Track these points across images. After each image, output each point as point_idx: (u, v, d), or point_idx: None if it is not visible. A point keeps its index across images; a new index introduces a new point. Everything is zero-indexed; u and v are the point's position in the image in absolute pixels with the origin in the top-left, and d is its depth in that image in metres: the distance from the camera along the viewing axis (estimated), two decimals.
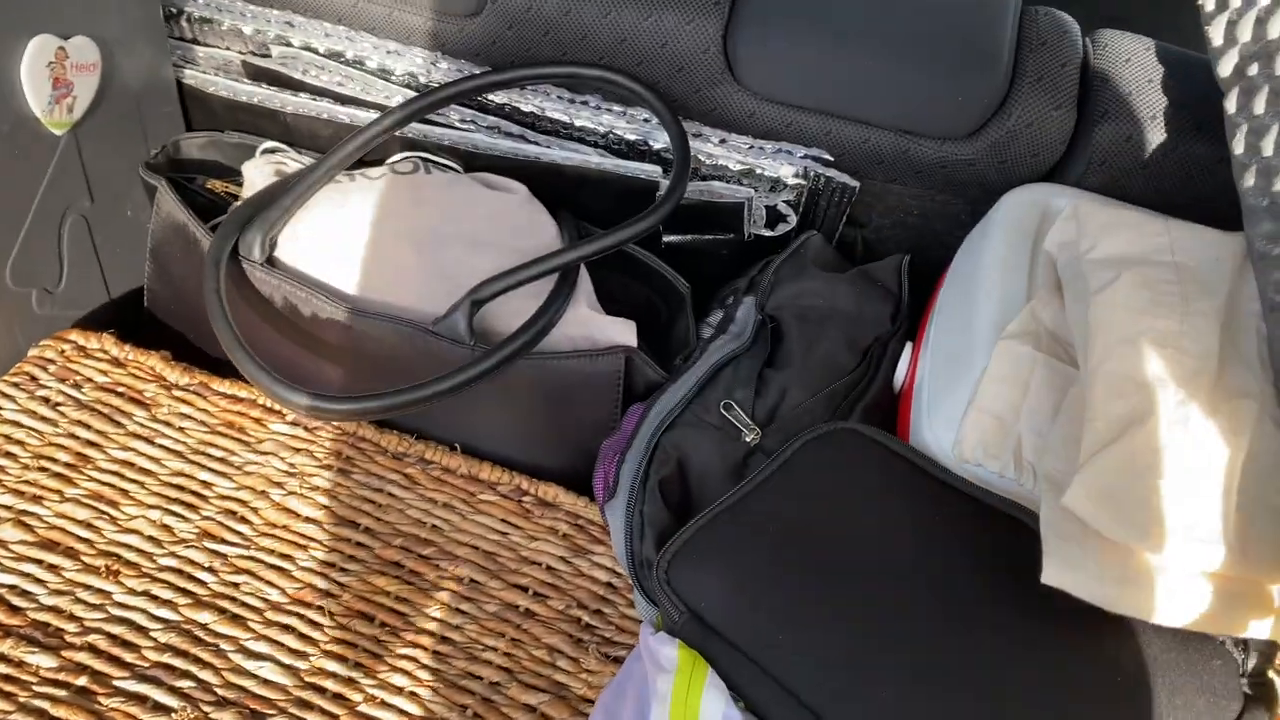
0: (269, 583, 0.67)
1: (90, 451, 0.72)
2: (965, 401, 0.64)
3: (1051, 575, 0.51)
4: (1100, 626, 0.52)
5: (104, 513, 0.69)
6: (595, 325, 0.76)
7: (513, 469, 0.75)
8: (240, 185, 0.89)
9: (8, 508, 0.68)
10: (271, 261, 0.76)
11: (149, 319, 0.86)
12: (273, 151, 0.88)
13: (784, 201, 0.87)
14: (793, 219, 0.86)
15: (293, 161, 0.86)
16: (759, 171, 0.85)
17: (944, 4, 0.80)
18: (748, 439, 0.70)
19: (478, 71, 0.86)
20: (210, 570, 0.67)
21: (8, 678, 0.60)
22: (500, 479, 0.74)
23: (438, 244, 0.76)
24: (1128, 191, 0.77)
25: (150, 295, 0.85)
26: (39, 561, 0.66)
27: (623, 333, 0.76)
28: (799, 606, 0.54)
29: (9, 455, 0.71)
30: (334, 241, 0.76)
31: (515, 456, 0.76)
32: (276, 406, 0.76)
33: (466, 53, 0.86)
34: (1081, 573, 0.51)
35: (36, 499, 0.69)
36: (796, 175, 0.85)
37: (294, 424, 0.76)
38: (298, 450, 0.74)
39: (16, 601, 0.63)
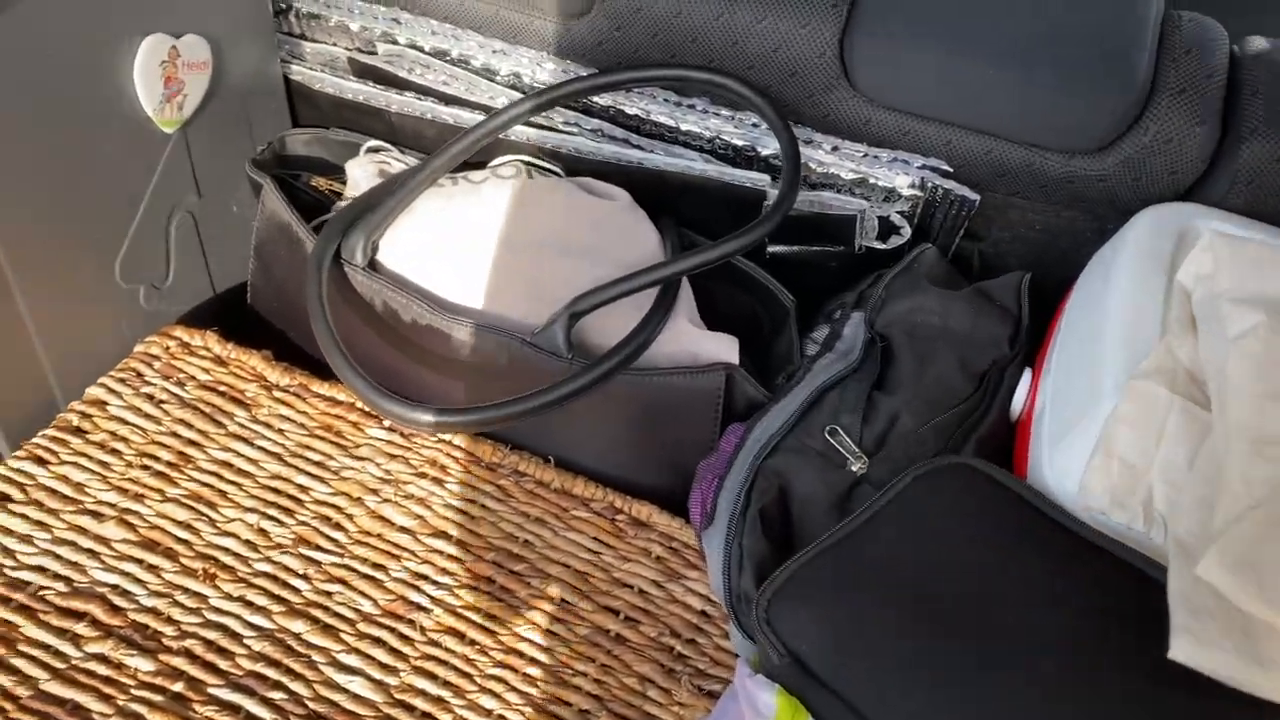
0: (362, 593, 0.66)
1: (191, 451, 0.72)
2: (1091, 441, 0.60)
3: (1180, 651, 0.47)
4: (1240, 707, 0.48)
5: (203, 514, 0.69)
6: (696, 341, 0.73)
7: (606, 485, 0.73)
8: (344, 183, 0.89)
9: (111, 505, 0.69)
10: (373, 265, 0.76)
11: (251, 315, 0.87)
12: (376, 150, 0.87)
13: (898, 213, 0.83)
14: (907, 231, 0.83)
15: (396, 161, 0.86)
16: (873, 181, 0.82)
17: (1079, 9, 0.76)
18: (854, 468, 0.67)
19: (584, 73, 0.84)
20: (304, 577, 0.67)
21: (108, 680, 0.60)
22: (594, 495, 0.72)
23: (538, 252, 0.75)
24: (1276, 215, 0.72)
25: (253, 292, 0.85)
26: (140, 561, 0.66)
27: (724, 349, 0.73)
28: (910, 661, 0.51)
29: (114, 452, 0.72)
30: (435, 246, 0.75)
31: (609, 472, 0.74)
32: (372, 412, 0.76)
33: (572, 53, 0.84)
34: (1215, 651, 0.47)
35: (139, 497, 0.69)
36: (913, 186, 0.81)
37: (390, 429, 0.75)
38: (393, 456, 0.74)
39: (118, 601, 0.64)
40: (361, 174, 0.85)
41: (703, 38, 0.79)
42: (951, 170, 0.80)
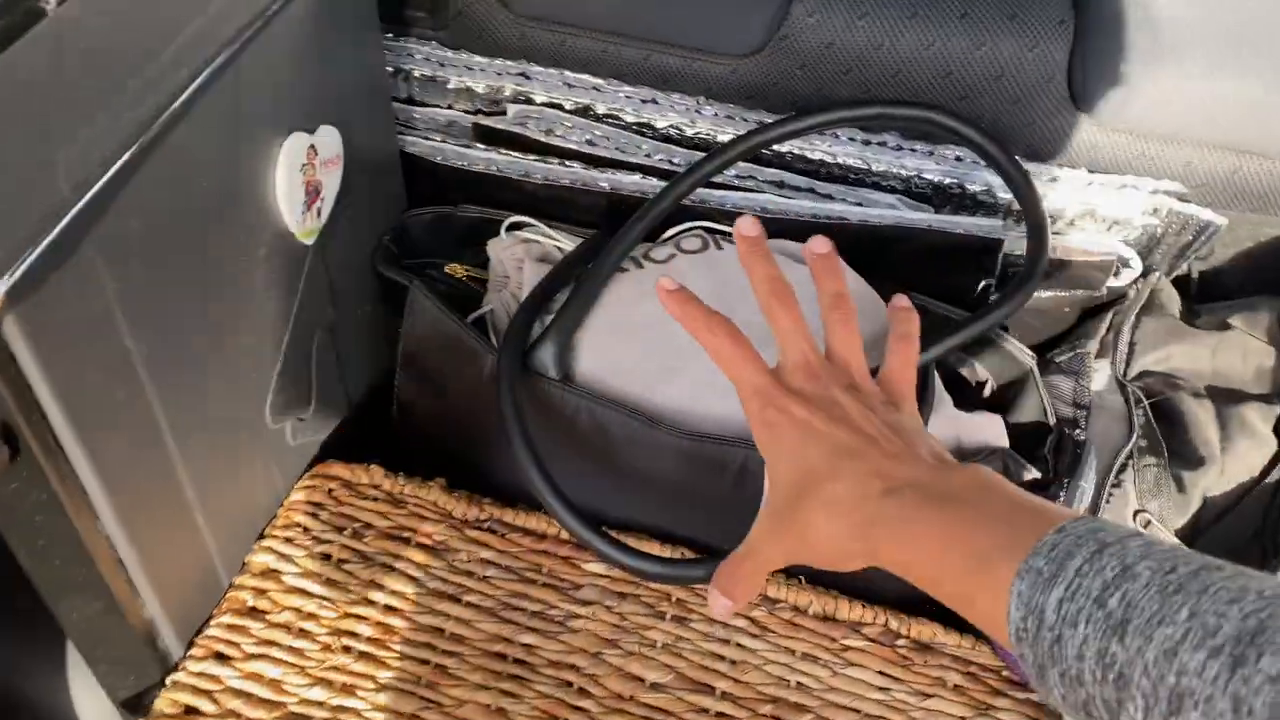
0: None
1: (393, 620, 0.62)
2: None
3: None
4: None
5: (428, 700, 0.59)
6: (962, 426, 0.64)
7: (871, 601, 0.64)
8: (482, 268, 0.78)
9: (321, 704, 0.58)
10: (569, 376, 0.65)
11: (400, 435, 0.75)
12: (519, 226, 0.76)
13: (1122, 242, 0.74)
14: (1137, 264, 0.73)
15: (544, 238, 0.75)
16: (1099, 213, 0.72)
17: None
18: None
19: (766, 119, 0.73)
20: None
21: None
22: (863, 617, 0.63)
23: (756, 341, 0.64)
24: None
25: (401, 409, 0.74)
26: None
27: (993, 431, 0.64)
28: None
29: (304, 634, 0.61)
30: (636, 346, 0.65)
31: (871, 586, 0.65)
32: None
33: (737, 96, 0.74)
34: None
35: (349, 690, 0.59)
36: (1146, 213, 0.72)
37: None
38: (623, 596, 0.64)
39: None
40: (507, 255, 0.74)
41: (907, 71, 0.69)
42: (1187, 193, 0.72)
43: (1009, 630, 0.37)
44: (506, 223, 0.76)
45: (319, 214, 0.64)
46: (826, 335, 0.54)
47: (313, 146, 0.62)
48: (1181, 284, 0.79)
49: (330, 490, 0.67)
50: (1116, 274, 0.74)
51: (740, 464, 0.61)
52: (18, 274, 0.40)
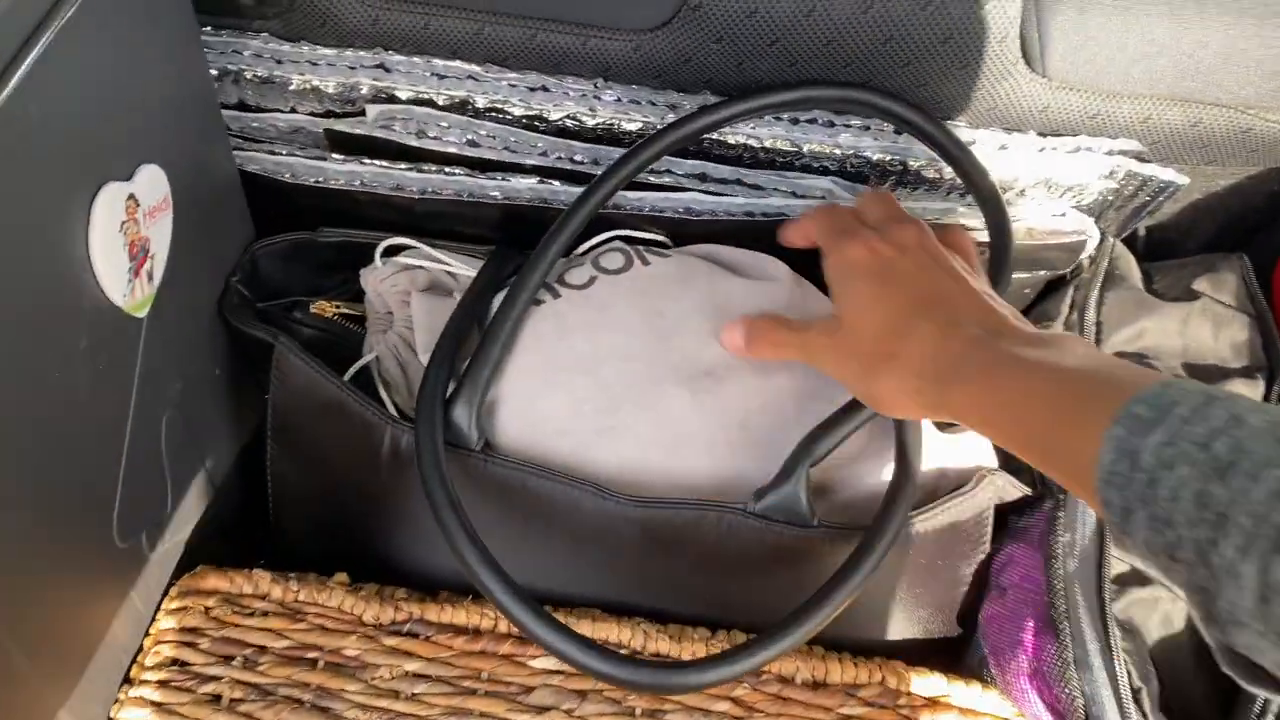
0: None
1: None
2: None
3: None
4: None
5: None
6: (949, 450, 0.56)
7: (840, 648, 0.56)
8: (356, 300, 0.65)
9: None
10: (488, 439, 0.54)
11: (275, 517, 0.63)
12: (396, 250, 0.63)
13: (1075, 208, 0.67)
14: (1095, 234, 0.67)
15: (429, 262, 0.63)
16: (1053, 180, 0.65)
17: None
18: None
19: (677, 100, 0.62)
20: None
21: None
22: (857, 678, 0.55)
23: (707, 377, 0.55)
24: None
25: (276, 487, 0.61)
26: None
27: (982, 452, 0.57)
28: None
29: None
30: (566, 396, 0.54)
31: (850, 634, 0.57)
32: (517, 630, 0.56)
33: (642, 76, 0.63)
34: None
35: None
36: (1102, 176, 0.65)
37: None
38: (583, 695, 0.54)
39: None
40: (386, 287, 0.62)
41: (844, 38, 0.59)
42: (1145, 151, 0.65)
43: (1097, 475, 0.36)
44: (381, 247, 0.63)
45: (150, 278, 0.51)
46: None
47: (132, 196, 0.48)
48: (1129, 243, 0.73)
49: (207, 609, 0.55)
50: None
51: (726, 527, 0.52)
52: None
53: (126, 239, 0.48)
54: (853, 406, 0.53)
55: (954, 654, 0.59)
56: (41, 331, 0.43)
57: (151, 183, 0.50)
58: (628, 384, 0.55)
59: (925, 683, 0.55)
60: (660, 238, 0.63)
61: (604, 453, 0.54)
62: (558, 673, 0.54)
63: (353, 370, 0.60)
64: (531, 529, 0.54)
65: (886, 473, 0.54)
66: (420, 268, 0.62)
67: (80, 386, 0.47)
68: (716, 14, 0.59)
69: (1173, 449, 0.34)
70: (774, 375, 0.55)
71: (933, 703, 0.55)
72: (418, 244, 0.63)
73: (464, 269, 0.63)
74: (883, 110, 0.61)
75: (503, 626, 0.55)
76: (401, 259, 0.63)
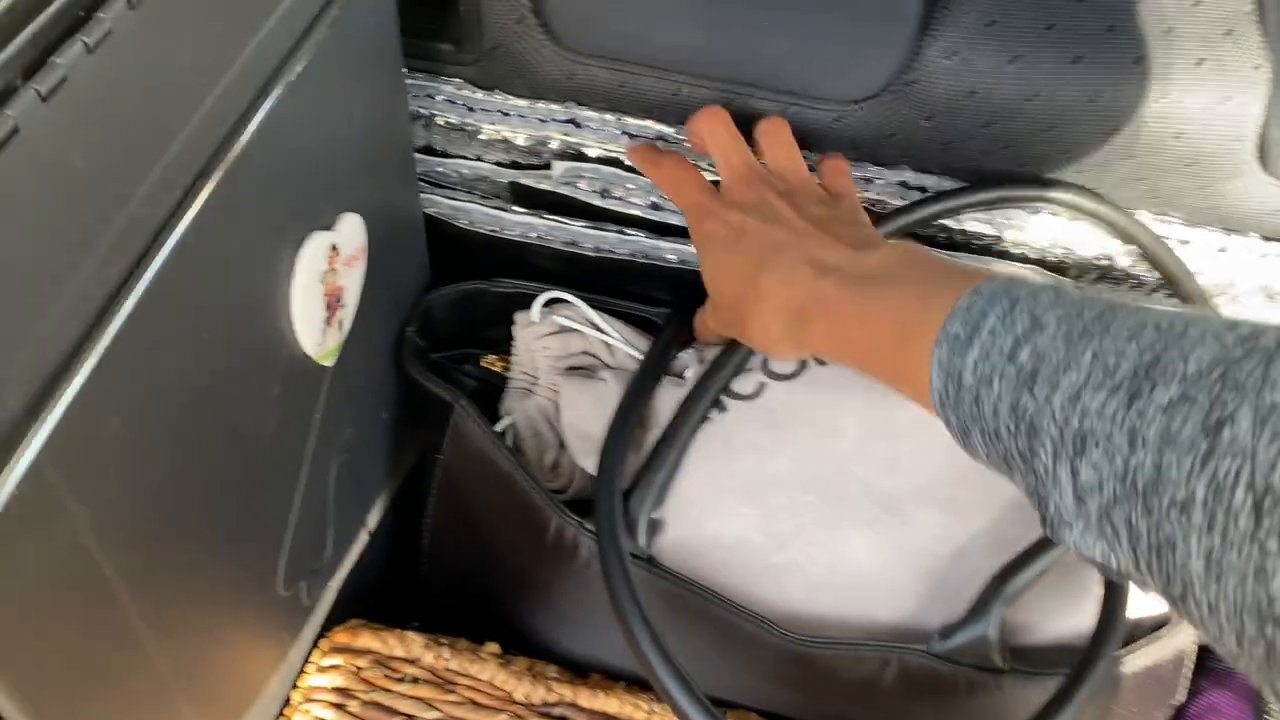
0: None
1: None
2: None
3: None
4: None
5: None
6: None
7: None
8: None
9: None
10: (653, 557, 0.52)
11: (426, 567, 0.61)
12: (555, 302, 0.62)
13: None
14: None
15: (587, 327, 0.60)
16: (1274, 289, 0.60)
17: None
18: None
19: (873, 174, 0.60)
20: None
21: None
22: None
23: (891, 515, 0.51)
24: None
25: (433, 545, 0.59)
26: None
27: None
28: None
29: None
30: (734, 524, 0.51)
31: None
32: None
33: (839, 147, 0.60)
34: None
35: None
36: None
37: None
38: None
39: None
40: (539, 348, 0.60)
41: (1063, 126, 0.56)
42: None
43: (932, 398, 0.38)
44: (541, 299, 0.61)
45: (340, 326, 0.50)
46: (763, 148, 0.55)
47: (334, 246, 0.47)
48: None
49: (358, 669, 0.53)
50: None
51: (907, 667, 0.48)
52: None
53: (324, 288, 0.47)
54: (1045, 543, 0.49)
55: None
56: (241, 378, 0.42)
57: (351, 231, 0.49)
58: (800, 519, 0.52)
59: None
60: None
61: (770, 589, 0.51)
62: None
63: (498, 427, 0.58)
64: (692, 637, 0.51)
65: (1077, 615, 0.50)
66: (576, 331, 0.61)
67: (266, 433, 0.46)
68: (931, 92, 0.56)
69: (986, 364, 0.36)
70: (967, 514, 0.51)
71: None
72: (577, 302, 0.61)
73: (619, 342, 0.60)
74: (1098, 216, 0.58)
75: (655, 712, 0.53)
76: (558, 318, 0.61)
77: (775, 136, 0.55)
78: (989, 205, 0.58)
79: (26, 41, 0.27)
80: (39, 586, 0.31)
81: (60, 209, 0.29)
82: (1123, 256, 0.61)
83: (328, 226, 0.46)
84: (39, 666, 0.32)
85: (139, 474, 0.35)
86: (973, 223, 0.61)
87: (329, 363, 0.49)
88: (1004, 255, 0.62)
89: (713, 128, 0.55)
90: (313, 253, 0.45)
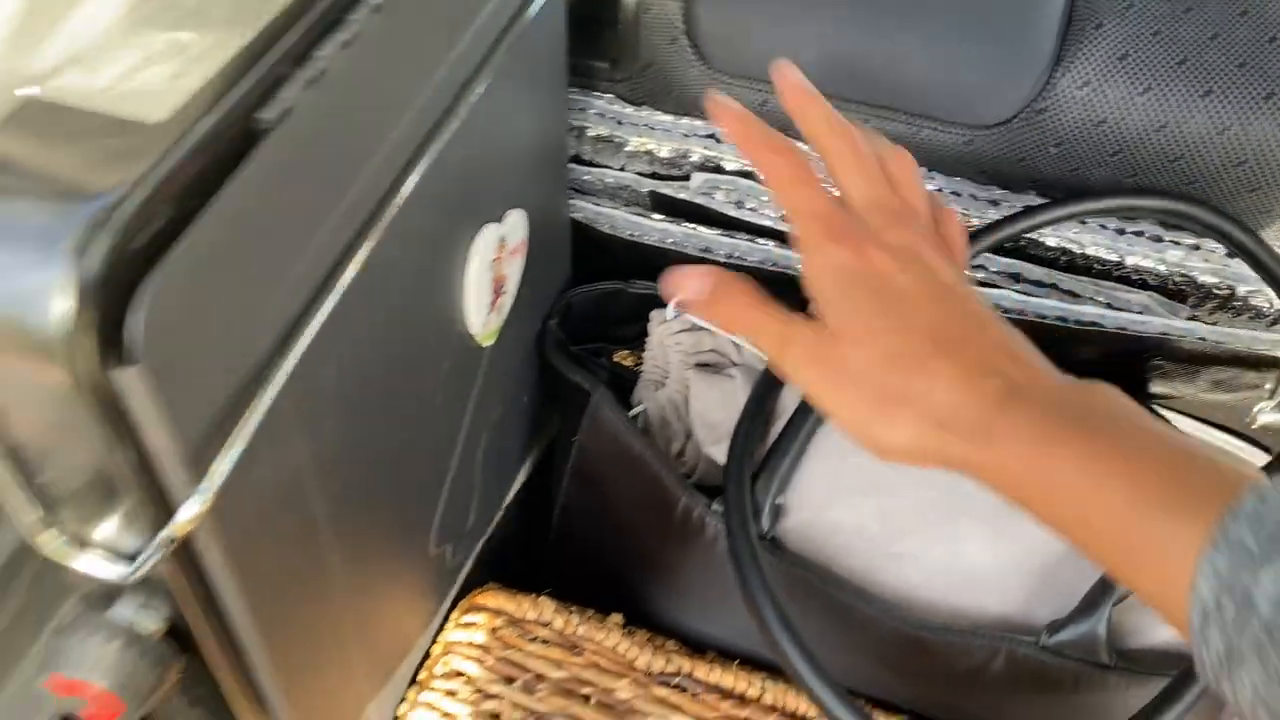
0: None
1: None
2: None
3: None
4: None
5: None
6: None
7: None
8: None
9: None
10: (775, 535, 0.55)
11: (554, 541, 0.66)
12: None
13: None
14: None
15: (716, 327, 0.64)
16: None
17: None
18: None
19: (998, 196, 0.62)
20: None
21: None
22: None
23: (1009, 514, 0.53)
24: None
25: (564, 521, 0.64)
26: None
27: None
28: None
29: None
30: (854, 513, 0.54)
31: None
32: (785, 704, 0.56)
33: (967, 170, 0.63)
34: None
35: None
36: None
37: None
38: None
39: None
40: (672, 345, 0.64)
41: (1191, 156, 0.58)
42: None
43: (1192, 606, 0.31)
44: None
45: (500, 312, 0.55)
46: (858, 176, 0.41)
47: (503, 238, 0.52)
48: None
49: (494, 629, 0.58)
50: None
51: (1013, 657, 0.51)
52: (217, 483, 0.30)
53: (492, 275, 0.52)
54: None
55: None
56: (421, 349, 0.47)
57: (517, 226, 0.54)
58: (921, 512, 0.54)
59: None
60: None
61: (889, 574, 0.54)
62: None
63: (636, 412, 0.62)
64: (809, 618, 0.54)
65: None
66: (707, 331, 0.64)
67: (433, 404, 0.51)
68: (1061, 120, 0.59)
69: None
70: None
71: None
72: None
73: (747, 342, 0.64)
74: (1212, 228, 0.59)
75: (768, 698, 0.56)
76: (691, 317, 0.65)
77: (906, 172, 0.43)
78: (1120, 214, 0.60)
79: (298, 38, 0.33)
80: (265, 515, 0.36)
81: (314, 176, 0.34)
82: (1243, 285, 0.62)
83: (498, 220, 0.51)
84: (266, 585, 0.37)
85: (344, 422, 0.40)
86: (1095, 247, 0.63)
87: (488, 344, 0.54)
88: (1124, 280, 0.64)
89: (845, 135, 0.42)
90: (486, 242, 0.50)
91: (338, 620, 0.46)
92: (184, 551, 0.33)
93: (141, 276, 0.26)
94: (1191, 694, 0.46)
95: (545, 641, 0.57)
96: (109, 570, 0.31)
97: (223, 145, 0.29)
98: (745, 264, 0.66)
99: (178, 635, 0.35)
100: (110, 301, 0.26)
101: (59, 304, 0.25)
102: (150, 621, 0.34)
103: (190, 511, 0.30)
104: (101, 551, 0.32)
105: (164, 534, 0.30)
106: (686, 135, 0.66)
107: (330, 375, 0.38)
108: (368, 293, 0.38)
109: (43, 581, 0.37)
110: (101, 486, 0.30)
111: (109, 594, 0.34)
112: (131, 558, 0.32)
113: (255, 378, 0.33)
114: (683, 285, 0.42)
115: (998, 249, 0.64)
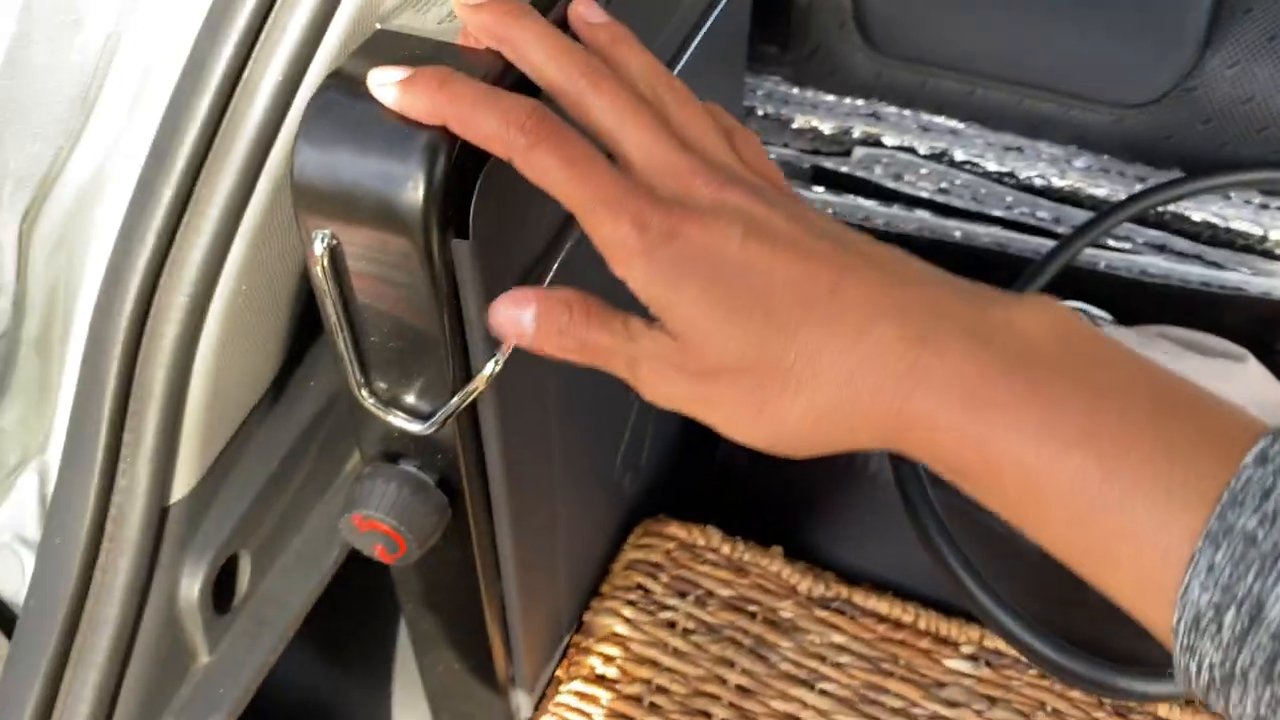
0: None
1: (747, 703, 0.58)
2: None
3: None
4: None
5: None
6: None
7: None
8: None
9: None
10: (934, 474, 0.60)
11: (716, 481, 0.72)
12: None
13: None
14: None
15: None
16: None
17: None
18: None
19: (1145, 174, 0.66)
20: None
21: None
22: None
23: None
24: None
25: (725, 464, 0.70)
26: None
27: None
28: None
29: (656, 709, 0.57)
30: None
31: None
32: (938, 630, 0.60)
33: (1116, 148, 0.67)
34: None
35: None
36: None
37: (973, 658, 0.60)
38: (992, 700, 0.58)
39: None
40: None
41: None
42: None
43: (1176, 613, 0.24)
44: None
45: None
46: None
47: None
48: None
49: (668, 550, 0.64)
50: None
51: None
52: (506, 353, 0.37)
53: None
54: None
55: None
56: (622, 300, 0.54)
57: None
58: None
59: None
60: (1100, 313, 0.67)
61: None
62: (970, 676, 0.59)
63: None
64: (965, 545, 0.59)
65: None
66: None
67: None
68: (1209, 98, 0.63)
69: None
70: None
71: None
72: None
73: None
74: None
75: (922, 624, 0.61)
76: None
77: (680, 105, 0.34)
78: (1263, 186, 0.64)
79: None
80: (522, 404, 0.43)
81: None
82: None
83: None
84: (517, 462, 0.44)
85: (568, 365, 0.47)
86: (1239, 220, 0.66)
87: None
88: (1268, 254, 0.67)
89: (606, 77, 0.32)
90: None
91: (554, 522, 0.53)
92: (465, 420, 0.40)
93: (476, 171, 0.33)
94: None
95: (714, 564, 0.63)
96: (414, 425, 0.38)
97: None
98: (902, 231, 0.71)
99: (448, 492, 0.42)
100: (452, 188, 0.33)
101: (415, 188, 0.32)
102: (429, 476, 0.41)
103: (488, 371, 0.37)
104: (403, 412, 0.39)
105: (466, 389, 0.37)
106: (849, 114, 0.71)
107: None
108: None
109: (337, 440, 0.45)
110: (414, 353, 0.37)
111: (397, 453, 0.41)
112: (426, 418, 0.39)
113: (532, 273, 0.39)
114: (498, 320, 0.33)
115: (1143, 220, 0.67)
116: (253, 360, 0.41)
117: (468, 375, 0.37)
